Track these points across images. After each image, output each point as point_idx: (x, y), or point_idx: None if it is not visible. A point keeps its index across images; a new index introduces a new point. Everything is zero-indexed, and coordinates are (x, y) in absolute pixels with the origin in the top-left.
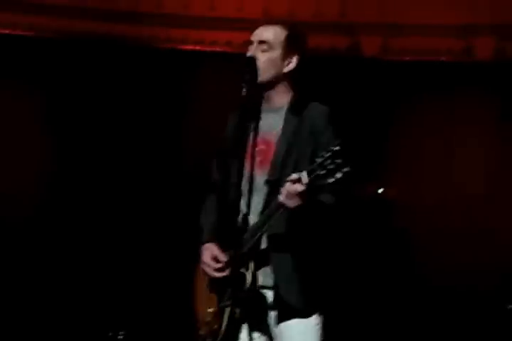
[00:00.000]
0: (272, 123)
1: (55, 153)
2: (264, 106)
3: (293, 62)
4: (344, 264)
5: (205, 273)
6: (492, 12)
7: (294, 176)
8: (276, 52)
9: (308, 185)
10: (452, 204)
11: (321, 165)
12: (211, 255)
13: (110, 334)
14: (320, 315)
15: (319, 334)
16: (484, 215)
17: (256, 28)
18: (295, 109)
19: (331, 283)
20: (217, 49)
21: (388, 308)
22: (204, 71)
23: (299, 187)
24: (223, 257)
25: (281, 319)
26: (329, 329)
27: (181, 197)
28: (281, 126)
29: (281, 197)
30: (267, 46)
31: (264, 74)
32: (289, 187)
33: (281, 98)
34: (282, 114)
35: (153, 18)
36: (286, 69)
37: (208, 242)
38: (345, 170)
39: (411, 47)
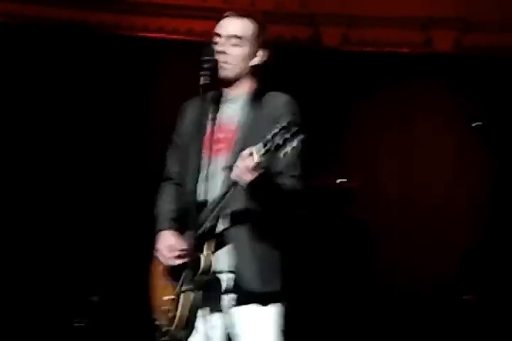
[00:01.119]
0: (232, 112)
1: (17, 135)
2: (226, 95)
3: (259, 56)
4: (303, 255)
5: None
6: (452, 4)
7: (245, 152)
8: (247, 47)
9: (259, 160)
10: (412, 195)
11: (271, 141)
12: (166, 243)
13: (74, 322)
14: (280, 303)
15: (278, 324)
16: (445, 205)
17: (217, 16)
18: (255, 98)
19: (290, 271)
20: (178, 37)
21: (346, 297)
22: (165, 59)
23: (250, 163)
24: (178, 246)
25: (239, 303)
26: (289, 319)
27: (142, 186)
28: (240, 115)
29: (233, 174)
30: (238, 41)
31: (234, 69)
32: (240, 163)
33: (241, 88)
34: (241, 103)
35: (114, 5)
36: (252, 63)
37: (164, 230)
38: (294, 144)
39: (371, 39)
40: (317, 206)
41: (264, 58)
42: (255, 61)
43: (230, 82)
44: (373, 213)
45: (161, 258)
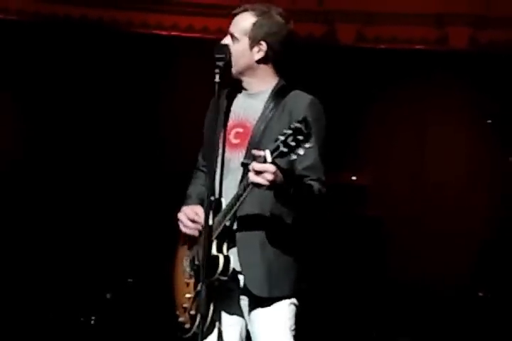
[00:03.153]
0: (251, 107)
1: (25, 135)
2: (246, 91)
3: (262, 50)
4: (316, 253)
5: (182, 237)
6: (467, 1)
7: (260, 154)
8: (243, 42)
9: (272, 162)
10: (425, 191)
11: (283, 143)
12: (192, 209)
13: (82, 319)
14: (291, 304)
15: (289, 324)
16: (456, 203)
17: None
18: (277, 95)
19: (301, 271)
20: (193, 35)
21: (360, 294)
22: (179, 56)
23: (264, 165)
24: (200, 218)
25: (250, 305)
26: (303, 315)
27: (156, 183)
28: (260, 110)
29: (250, 177)
30: (234, 38)
31: (235, 65)
32: (254, 165)
33: (262, 83)
34: (263, 98)
35: (129, 2)
36: (256, 57)
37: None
38: (307, 146)
39: (386, 36)
40: (331, 203)
41: (270, 51)
42: (259, 55)
43: (246, 77)
44: (386, 210)
45: (182, 223)
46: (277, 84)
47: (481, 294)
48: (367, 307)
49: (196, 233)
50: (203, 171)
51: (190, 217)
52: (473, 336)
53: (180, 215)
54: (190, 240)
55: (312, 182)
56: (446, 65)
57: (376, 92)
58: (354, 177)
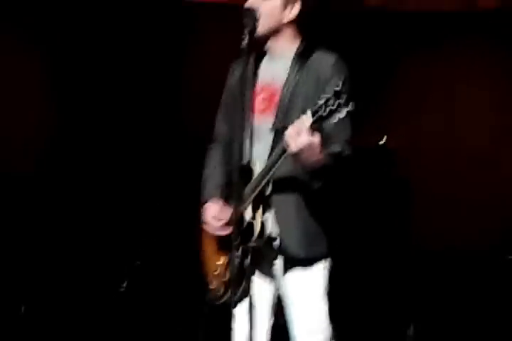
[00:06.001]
0: (277, 71)
1: (56, 105)
2: (269, 54)
3: (295, 9)
4: (345, 215)
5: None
6: None
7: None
8: (276, 1)
9: (311, 126)
10: (454, 155)
11: (324, 106)
12: (212, 214)
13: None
14: (325, 267)
15: (324, 286)
16: (487, 165)
17: None
18: (302, 57)
19: (334, 232)
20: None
21: (388, 256)
22: (205, 22)
23: (303, 128)
24: (224, 215)
25: (286, 268)
26: (334, 275)
27: (180, 150)
28: (286, 74)
29: (285, 139)
30: None
31: (265, 24)
32: (292, 129)
33: (287, 45)
34: (288, 61)
35: None
36: (287, 18)
37: (208, 200)
38: (348, 109)
39: None
40: (359, 165)
41: (302, 11)
42: (292, 14)
43: (272, 38)
44: (415, 172)
45: (210, 230)
46: (301, 45)
47: (511, 257)
48: (392, 270)
49: (228, 230)
50: (221, 144)
51: (215, 225)
52: (503, 299)
53: (207, 227)
54: None
55: (338, 144)
56: (475, 25)
57: (404, 55)
58: (383, 140)
